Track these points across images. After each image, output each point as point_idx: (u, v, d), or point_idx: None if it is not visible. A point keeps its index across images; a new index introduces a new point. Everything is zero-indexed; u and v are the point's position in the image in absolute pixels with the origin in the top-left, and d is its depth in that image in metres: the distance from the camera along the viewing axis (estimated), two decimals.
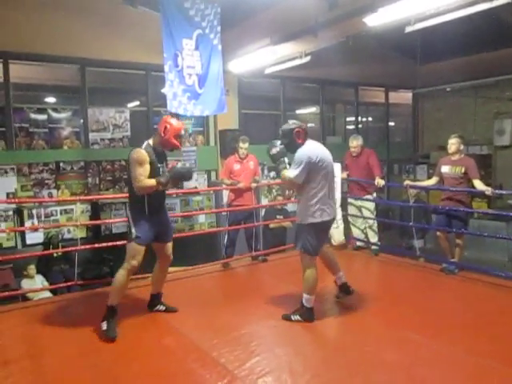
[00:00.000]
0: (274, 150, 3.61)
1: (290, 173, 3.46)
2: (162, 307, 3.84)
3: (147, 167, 3.32)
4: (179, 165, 3.50)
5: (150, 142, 3.46)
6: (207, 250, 6.90)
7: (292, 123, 3.58)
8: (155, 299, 3.85)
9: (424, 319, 3.62)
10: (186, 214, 7.39)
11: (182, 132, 3.51)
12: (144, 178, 3.30)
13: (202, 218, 7.75)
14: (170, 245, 3.74)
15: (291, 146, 3.57)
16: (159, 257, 3.76)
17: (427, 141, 10.80)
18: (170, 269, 5.55)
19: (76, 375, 2.84)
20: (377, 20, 4.79)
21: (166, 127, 3.39)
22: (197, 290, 4.63)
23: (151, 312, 3.82)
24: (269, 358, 3.10)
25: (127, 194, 3.71)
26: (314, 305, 3.56)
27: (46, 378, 2.84)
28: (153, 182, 3.32)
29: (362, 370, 2.85)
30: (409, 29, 5.07)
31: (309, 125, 10.41)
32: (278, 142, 3.64)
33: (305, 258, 3.54)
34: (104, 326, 3.32)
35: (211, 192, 7.70)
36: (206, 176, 7.85)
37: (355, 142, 5.67)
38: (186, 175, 3.51)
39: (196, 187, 7.68)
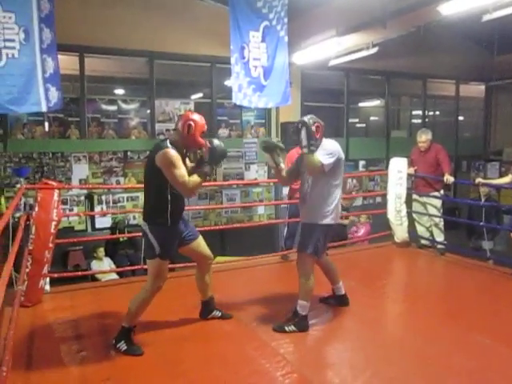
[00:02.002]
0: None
1: (323, 159, 3.20)
2: (217, 313, 3.51)
3: (183, 166, 2.92)
4: (215, 141, 3.07)
5: (176, 143, 2.99)
6: (266, 241, 6.95)
7: (310, 117, 3.33)
8: (209, 305, 3.50)
9: (493, 323, 3.43)
10: (245, 204, 7.48)
11: (205, 128, 3.10)
12: (188, 178, 2.89)
13: (261, 210, 7.82)
14: (200, 242, 3.31)
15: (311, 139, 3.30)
16: (196, 260, 3.40)
17: (500, 136, 10.17)
18: (230, 258, 5.69)
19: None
20: (452, 8, 4.55)
21: (189, 125, 2.98)
22: (256, 280, 4.68)
23: (206, 320, 3.49)
24: (328, 351, 3.09)
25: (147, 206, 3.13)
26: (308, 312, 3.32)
27: (114, 353, 2.97)
28: (197, 178, 2.94)
29: (425, 372, 2.75)
30: (486, 17, 4.76)
31: (372, 118, 10.18)
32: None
33: (307, 261, 3.31)
34: (123, 346, 2.98)
35: (271, 184, 7.73)
36: (266, 168, 7.88)
37: (424, 137, 5.45)
38: (225, 151, 3.10)
39: (256, 179, 7.75)
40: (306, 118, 3.27)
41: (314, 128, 3.22)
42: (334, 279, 3.73)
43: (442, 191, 5.61)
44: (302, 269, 3.32)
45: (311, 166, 3.23)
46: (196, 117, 3.04)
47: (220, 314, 3.52)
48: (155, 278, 3.01)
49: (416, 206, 5.74)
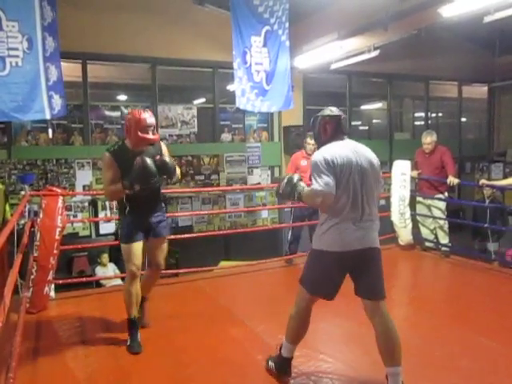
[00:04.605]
0: (284, 187, 2.64)
1: (313, 187, 2.42)
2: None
3: (113, 172, 2.93)
4: (141, 160, 2.89)
5: (126, 142, 3.04)
6: (270, 245, 6.95)
7: (327, 110, 2.67)
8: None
9: (500, 325, 3.41)
10: (249, 209, 7.49)
11: (148, 121, 2.94)
12: (109, 183, 2.95)
13: (264, 214, 7.82)
14: (160, 245, 3.25)
15: (317, 140, 2.73)
16: (149, 260, 3.31)
17: (503, 137, 10.13)
18: (234, 263, 5.69)
19: (145, 358, 2.98)
20: (453, 10, 4.56)
21: (129, 123, 2.95)
22: (261, 284, 4.68)
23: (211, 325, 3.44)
24: (335, 356, 3.07)
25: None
26: (293, 355, 2.69)
27: (119, 359, 3.00)
28: (118, 186, 2.91)
29: (433, 375, 2.74)
30: (488, 18, 4.76)
31: (374, 121, 10.16)
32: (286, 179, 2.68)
33: (301, 296, 2.61)
34: (128, 340, 3.07)
35: (274, 188, 7.73)
36: (269, 172, 7.89)
37: (429, 139, 5.43)
38: (144, 174, 2.87)
39: (259, 183, 7.76)
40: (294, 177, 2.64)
41: (320, 125, 2.61)
42: (387, 358, 2.51)
43: (446, 193, 5.59)
44: (295, 302, 2.66)
45: (311, 203, 2.56)
46: (135, 113, 2.96)
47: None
48: (126, 264, 3.09)
49: (420, 209, 5.72)
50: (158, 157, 3.01)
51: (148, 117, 2.97)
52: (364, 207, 2.46)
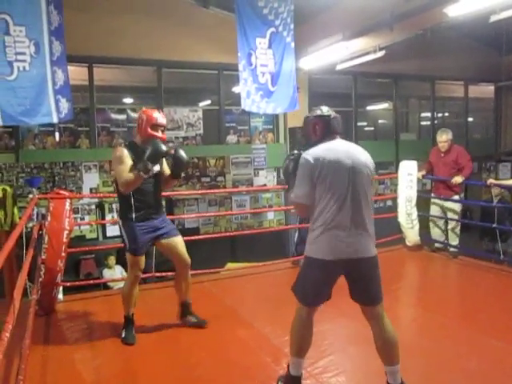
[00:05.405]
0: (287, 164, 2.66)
1: (292, 193, 2.50)
2: (192, 319, 3.46)
3: (129, 163, 3.03)
4: (157, 142, 3.04)
5: (135, 140, 3.22)
6: (276, 246, 6.94)
7: (318, 110, 2.58)
8: (183, 309, 3.49)
9: (509, 326, 3.38)
10: (255, 210, 7.49)
11: (159, 121, 3.14)
12: (127, 172, 3.01)
13: (270, 215, 7.82)
14: (178, 242, 3.32)
15: (306, 142, 2.62)
16: (173, 260, 3.37)
17: (511, 137, 10.07)
18: (241, 264, 5.69)
19: (152, 360, 2.99)
20: (459, 10, 4.53)
21: (141, 120, 3.14)
22: (268, 285, 4.67)
23: (217, 325, 3.47)
24: (342, 357, 3.06)
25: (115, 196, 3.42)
26: (302, 372, 2.53)
27: (127, 360, 3.03)
28: (130, 174, 2.99)
29: (440, 377, 2.73)
30: (494, 18, 4.74)
31: (380, 121, 10.13)
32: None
33: (298, 310, 2.50)
34: (123, 333, 3.25)
35: (280, 189, 7.74)
36: (275, 173, 7.89)
37: (444, 137, 5.33)
38: (159, 152, 2.99)
39: (265, 184, 7.76)
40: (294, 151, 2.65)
41: (310, 126, 2.54)
42: (385, 358, 2.44)
43: (462, 194, 5.50)
44: (295, 311, 2.52)
45: (296, 210, 2.64)
46: (148, 111, 3.18)
47: (195, 320, 3.46)
48: (130, 269, 3.25)
49: (433, 209, 5.61)
50: (170, 144, 3.16)
51: (160, 116, 3.17)
52: (355, 211, 2.33)
